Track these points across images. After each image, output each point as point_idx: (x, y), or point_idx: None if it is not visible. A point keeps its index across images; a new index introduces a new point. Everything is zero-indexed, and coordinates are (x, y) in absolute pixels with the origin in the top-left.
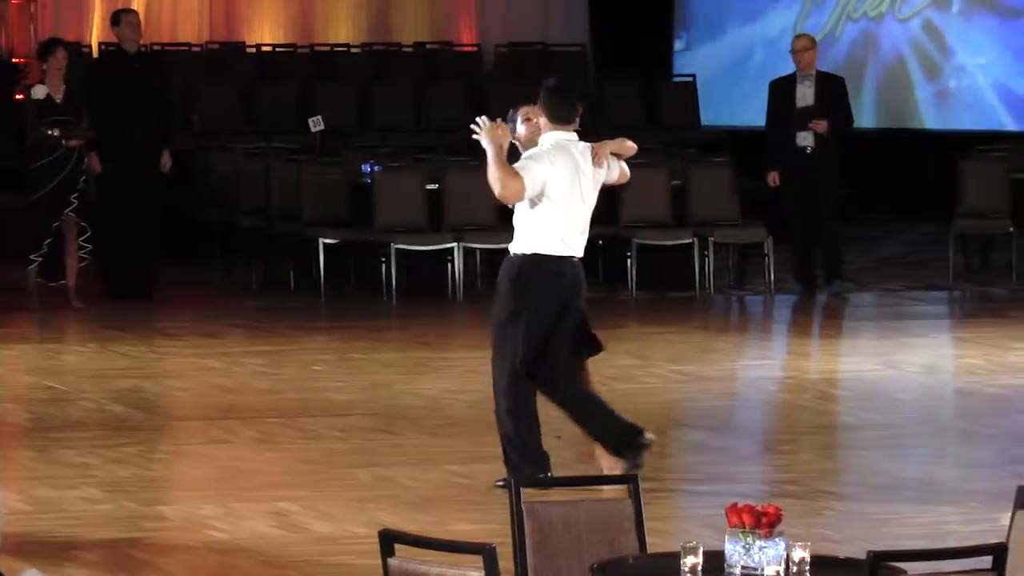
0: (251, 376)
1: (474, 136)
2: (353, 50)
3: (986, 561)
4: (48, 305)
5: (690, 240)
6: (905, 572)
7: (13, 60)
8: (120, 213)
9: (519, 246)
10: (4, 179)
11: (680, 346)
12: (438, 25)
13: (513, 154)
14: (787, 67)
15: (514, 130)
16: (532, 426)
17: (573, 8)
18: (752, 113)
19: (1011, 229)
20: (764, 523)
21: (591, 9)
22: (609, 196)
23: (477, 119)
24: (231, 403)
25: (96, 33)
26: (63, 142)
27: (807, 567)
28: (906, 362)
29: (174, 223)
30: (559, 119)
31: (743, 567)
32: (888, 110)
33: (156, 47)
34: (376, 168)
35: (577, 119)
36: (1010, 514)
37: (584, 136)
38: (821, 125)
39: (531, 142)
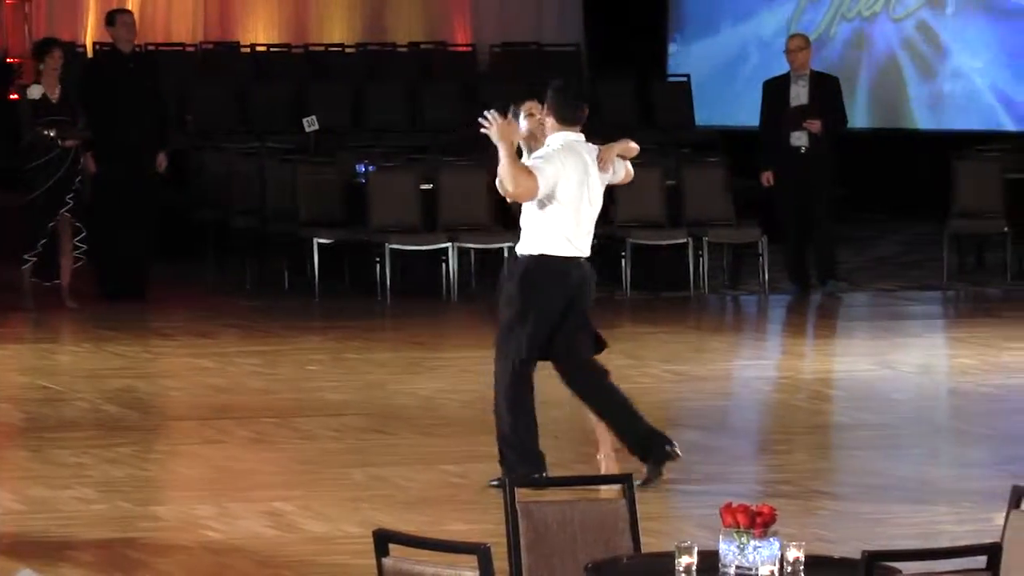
0: (245, 376)
1: (483, 130)
2: (347, 50)
3: (980, 561)
4: (42, 305)
5: (684, 240)
6: (900, 572)
7: (7, 60)
8: (115, 213)
9: (526, 247)
10: None
11: (674, 346)
12: (432, 25)
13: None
14: (781, 67)
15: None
16: (530, 426)
17: (567, 8)
18: (746, 113)
19: (1005, 229)
20: (758, 523)
21: (585, 9)
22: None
23: (486, 112)
24: (225, 403)
25: (91, 33)
26: (59, 142)
27: (801, 567)
28: (900, 362)
29: (168, 223)
30: (566, 120)
31: (737, 567)
32: (882, 110)
33: (150, 47)
34: (370, 168)
35: (583, 119)
36: (1004, 514)
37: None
38: (815, 125)
39: (533, 137)
